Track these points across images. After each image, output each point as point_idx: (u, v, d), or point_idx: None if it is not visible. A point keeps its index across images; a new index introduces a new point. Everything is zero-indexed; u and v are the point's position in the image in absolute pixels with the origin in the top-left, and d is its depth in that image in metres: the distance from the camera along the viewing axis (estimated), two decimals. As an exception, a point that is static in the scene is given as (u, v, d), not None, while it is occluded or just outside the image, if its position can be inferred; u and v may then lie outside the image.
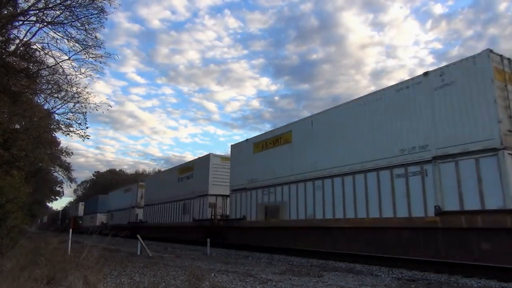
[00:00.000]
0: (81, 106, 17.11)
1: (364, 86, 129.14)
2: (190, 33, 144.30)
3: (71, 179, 44.48)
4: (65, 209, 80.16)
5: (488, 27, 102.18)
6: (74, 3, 14.00)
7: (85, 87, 17.25)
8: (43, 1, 13.74)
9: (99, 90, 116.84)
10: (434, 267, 10.03)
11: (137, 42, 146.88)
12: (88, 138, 17.44)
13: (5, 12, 13.62)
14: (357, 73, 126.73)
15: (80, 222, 54.15)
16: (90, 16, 14.48)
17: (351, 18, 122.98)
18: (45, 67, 15.70)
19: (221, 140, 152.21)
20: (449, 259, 9.73)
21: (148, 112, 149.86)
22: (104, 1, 14.23)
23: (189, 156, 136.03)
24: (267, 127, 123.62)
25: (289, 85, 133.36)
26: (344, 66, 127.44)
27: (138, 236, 15.47)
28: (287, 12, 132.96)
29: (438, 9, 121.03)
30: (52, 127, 21.50)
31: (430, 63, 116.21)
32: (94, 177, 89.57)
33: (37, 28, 14.65)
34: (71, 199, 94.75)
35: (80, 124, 17.26)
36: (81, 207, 59.29)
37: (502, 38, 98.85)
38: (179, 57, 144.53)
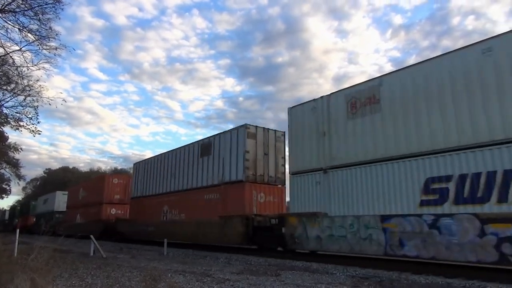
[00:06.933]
0: (33, 100, 16.39)
1: (327, 90, 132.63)
2: (156, 31, 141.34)
3: (19, 177, 42.42)
4: (12, 208, 75.70)
5: (442, 38, 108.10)
6: (27, -9, 13.33)
7: (38, 80, 16.51)
8: (-8, -13, 12.97)
9: (56, 85, 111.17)
10: (386, 264, 10.48)
11: (101, 37, 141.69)
12: (39, 134, 16.74)
13: None
14: (320, 77, 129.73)
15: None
16: (44, 6, 13.83)
17: (316, 24, 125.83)
18: (-8, 57, 14.83)
19: (183, 140, 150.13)
20: None
21: (108, 109, 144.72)
22: (60, -9, 13.66)
23: (150, 155, 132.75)
24: (230, 127, 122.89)
25: (254, 87, 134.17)
26: (308, 70, 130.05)
27: (91, 236, 14.94)
28: (255, 14, 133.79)
29: (398, 19, 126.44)
30: (-1, 121, 20.34)
31: (388, 71, 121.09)
32: (45, 175, 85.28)
33: (-15, 15, 13.81)
34: (19, 197, 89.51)
35: (31, 118, 16.55)
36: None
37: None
38: (144, 55, 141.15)
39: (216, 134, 19.12)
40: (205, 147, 19.61)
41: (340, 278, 8.82)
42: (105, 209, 29.80)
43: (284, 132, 18.07)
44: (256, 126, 17.43)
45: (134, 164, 28.68)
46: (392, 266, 10.28)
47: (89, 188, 34.59)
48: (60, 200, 41.99)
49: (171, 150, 23.20)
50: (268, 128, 17.87)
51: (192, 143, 20.95)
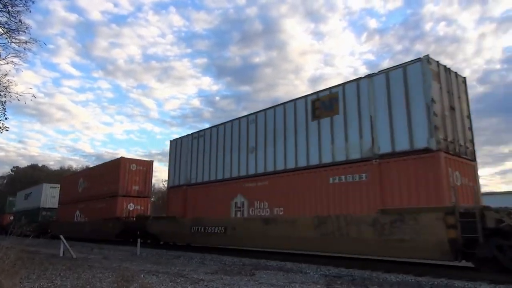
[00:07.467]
0: (0, 95, 15.71)
1: (303, 91, 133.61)
2: (132, 28, 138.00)
3: (-16, 174, 40.60)
4: None
5: (415, 43, 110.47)
6: (-5, -19, 12.78)
7: (6, 74, 15.84)
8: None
9: (26, 80, 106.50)
10: (359, 263, 10.68)
11: (74, 32, 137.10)
12: (7, 130, 15.98)
13: None
14: (297, 78, 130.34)
15: None
16: (14, -2, 13.29)
17: (294, 26, 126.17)
18: (-44, 49, 14.15)
19: (158, 138, 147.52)
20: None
21: (81, 106, 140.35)
22: (31, -17, 13.16)
23: (124, 153, 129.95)
24: (206, 126, 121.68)
25: (230, 86, 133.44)
26: (285, 70, 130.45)
27: (61, 236, 14.53)
28: (232, 14, 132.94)
29: (373, 23, 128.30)
30: (-37, 116, 19.45)
31: (363, 73, 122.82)
32: (13, 173, 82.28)
33: None
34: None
35: (-3, 114, 15.82)
36: None
37: (426, 54, 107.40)
38: (119, 51, 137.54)
39: (351, 81, 12.30)
40: (322, 104, 12.99)
41: (313, 277, 8.92)
42: (121, 203, 23.38)
43: (465, 77, 11.86)
44: (438, 62, 10.80)
45: (171, 142, 20.95)
46: (365, 265, 10.49)
47: (95, 177, 28.03)
48: (48, 194, 36.51)
49: (244, 116, 16.42)
50: (449, 68, 11.23)
51: (290, 101, 14.26)
